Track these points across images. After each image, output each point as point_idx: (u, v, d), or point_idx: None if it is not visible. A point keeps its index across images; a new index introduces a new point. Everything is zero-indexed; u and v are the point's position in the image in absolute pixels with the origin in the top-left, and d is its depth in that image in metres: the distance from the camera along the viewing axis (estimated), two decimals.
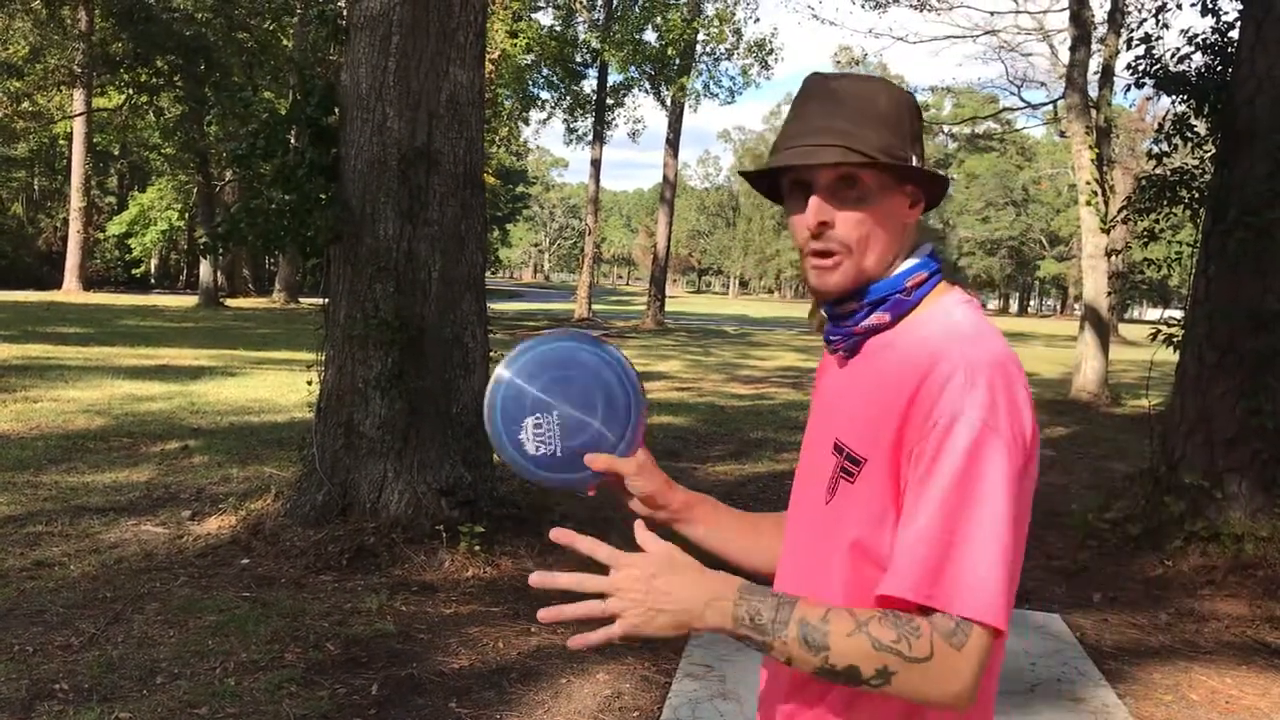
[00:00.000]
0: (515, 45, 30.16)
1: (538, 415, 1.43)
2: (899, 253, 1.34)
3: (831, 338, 1.40)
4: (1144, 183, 7.49)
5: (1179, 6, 8.61)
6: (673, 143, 33.85)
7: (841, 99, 1.32)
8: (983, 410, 1.18)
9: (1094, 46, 17.14)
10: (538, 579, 1.28)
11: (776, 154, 1.33)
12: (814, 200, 1.31)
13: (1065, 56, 17.86)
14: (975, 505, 1.16)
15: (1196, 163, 7.24)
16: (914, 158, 1.32)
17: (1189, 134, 7.21)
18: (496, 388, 1.46)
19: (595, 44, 33.30)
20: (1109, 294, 16.05)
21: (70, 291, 34.43)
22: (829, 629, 1.16)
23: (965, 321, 1.29)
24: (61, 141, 45.03)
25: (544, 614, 1.25)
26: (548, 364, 1.44)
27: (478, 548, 5.62)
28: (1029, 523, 1.27)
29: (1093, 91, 16.63)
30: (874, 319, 1.34)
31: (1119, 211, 8.51)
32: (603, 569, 1.26)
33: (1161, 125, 7.45)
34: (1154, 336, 7.09)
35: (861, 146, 1.27)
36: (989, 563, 1.15)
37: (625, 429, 1.45)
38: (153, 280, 48.19)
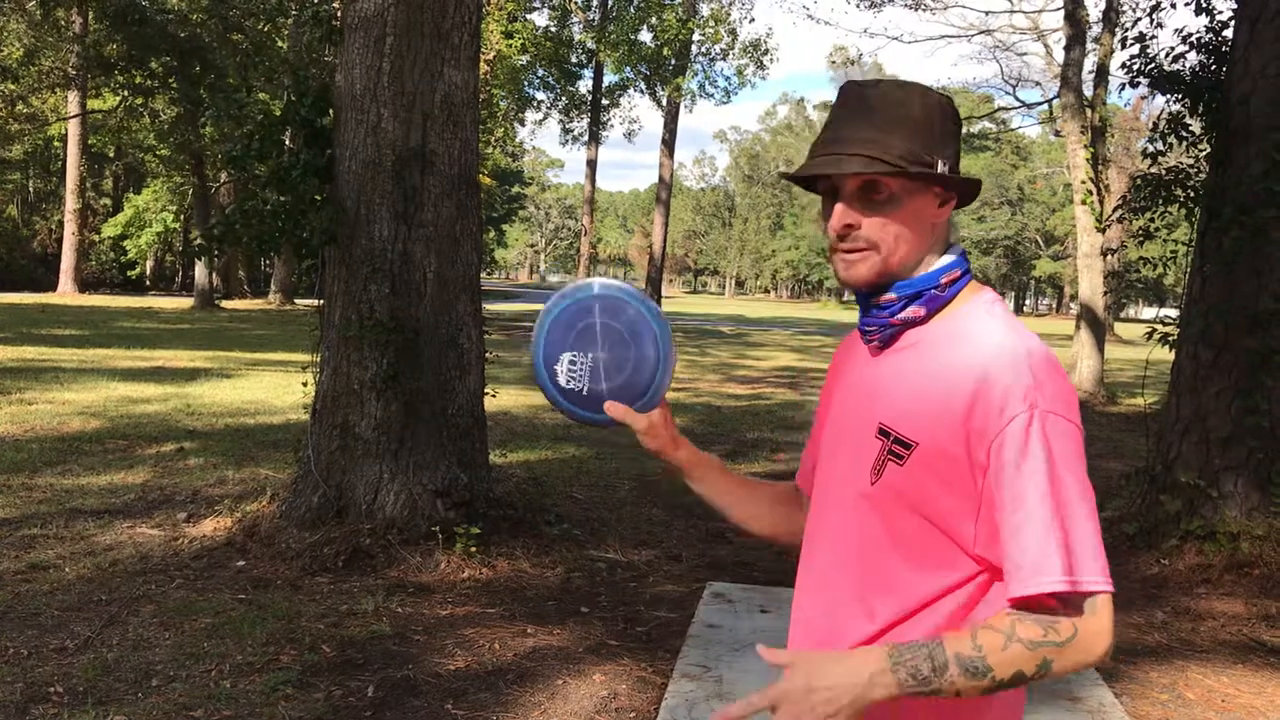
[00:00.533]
0: (510, 46, 30.15)
1: (575, 353, 1.50)
2: (927, 250, 1.44)
3: (866, 329, 1.48)
4: (1139, 181, 7.49)
5: (1173, 5, 8.60)
6: (668, 143, 33.86)
7: (872, 106, 1.41)
8: (1052, 400, 1.31)
9: (1089, 46, 17.18)
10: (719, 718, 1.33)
11: (810, 160, 1.43)
12: (839, 207, 1.42)
13: (1060, 56, 17.90)
14: (1070, 488, 1.29)
15: (1191, 161, 7.24)
16: (940, 161, 1.40)
17: (1184, 133, 7.22)
18: (572, 296, 1.53)
19: (591, 44, 33.31)
20: (1105, 293, 16.08)
21: (65, 293, 34.34)
22: (985, 653, 1.27)
23: (1007, 320, 1.40)
24: (56, 143, 44.95)
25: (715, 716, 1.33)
26: (614, 313, 1.51)
27: (474, 549, 5.61)
28: None
29: (1088, 91, 16.66)
30: (910, 312, 1.43)
31: (1114, 210, 8.51)
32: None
33: (1156, 124, 7.45)
34: (1149, 335, 7.09)
35: (885, 155, 1.37)
36: (1093, 536, 1.29)
37: (640, 398, 1.55)
38: (148, 282, 48.08)
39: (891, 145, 1.37)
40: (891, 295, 1.43)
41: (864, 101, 1.42)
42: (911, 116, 1.39)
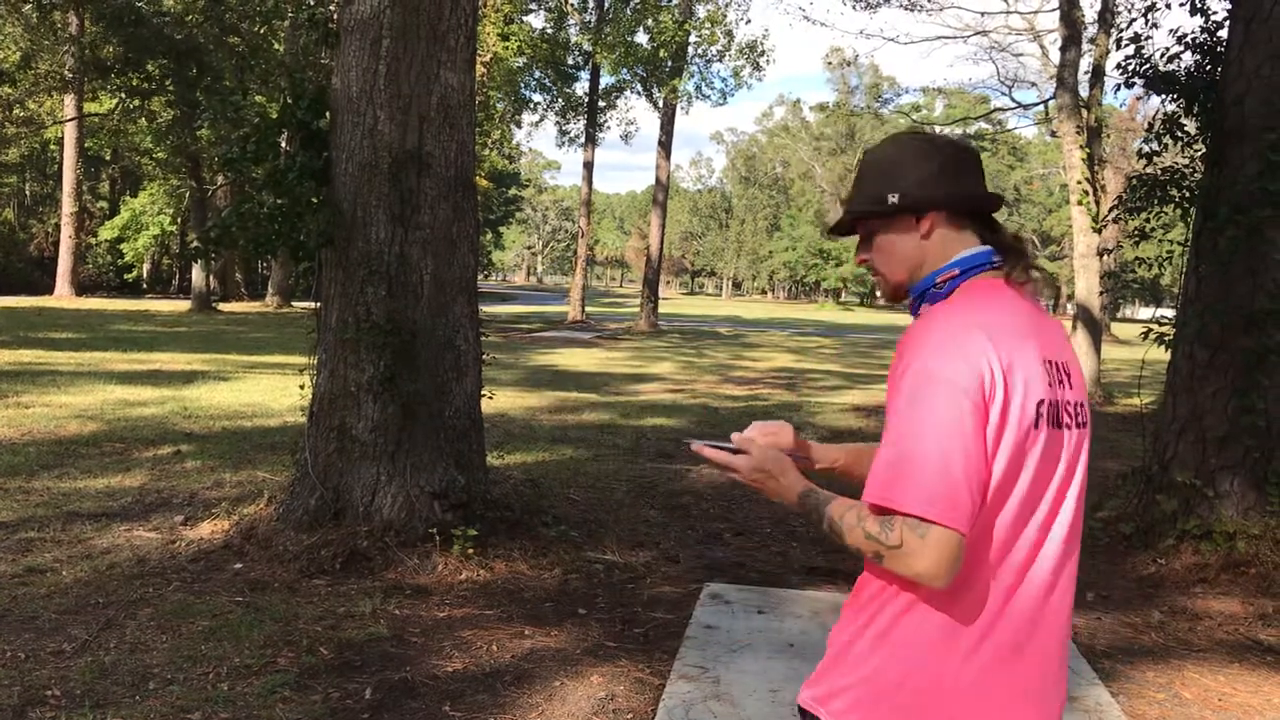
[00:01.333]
0: (507, 48, 30.13)
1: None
2: (928, 260, 1.76)
3: None
4: (1135, 182, 7.50)
5: (1168, 6, 8.61)
6: (665, 145, 33.83)
7: (858, 165, 1.85)
8: (926, 360, 1.58)
9: (1084, 46, 17.19)
10: (696, 447, 1.84)
11: None
12: (857, 249, 1.88)
13: (1056, 56, 17.91)
14: (917, 431, 1.55)
15: (1187, 162, 7.26)
16: (891, 194, 1.75)
17: (1179, 133, 7.23)
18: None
19: (587, 46, 33.30)
20: (1101, 293, 16.09)
21: (62, 297, 34.36)
22: (843, 527, 1.63)
23: (967, 303, 1.68)
24: (53, 147, 44.94)
25: (694, 445, 1.83)
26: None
27: (471, 551, 5.62)
28: (1005, 453, 1.59)
29: (1083, 91, 16.67)
30: (922, 309, 1.77)
31: (1110, 211, 8.53)
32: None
33: (1152, 125, 7.46)
34: (1146, 335, 7.10)
35: (849, 206, 1.83)
36: (930, 473, 1.52)
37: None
38: (145, 285, 48.06)
39: (856, 196, 1.81)
40: (909, 298, 1.81)
41: (858, 163, 1.86)
42: (874, 166, 1.79)
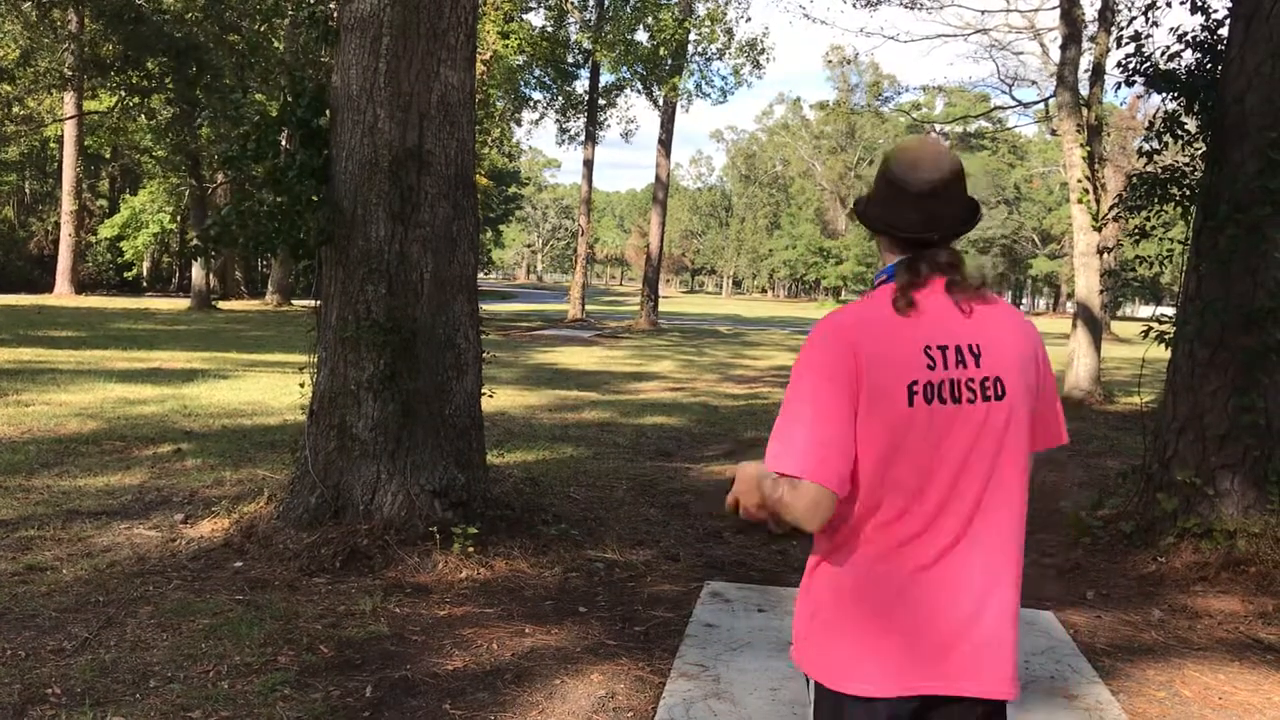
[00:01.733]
0: (507, 46, 30.12)
1: None
2: (884, 256, 2.04)
3: None
4: (1135, 180, 7.49)
5: (1169, 4, 8.60)
6: (665, 143, 33.82)
7: None
8: (804, 350, 1.92)
9: (1085, 44, 17.16)
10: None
11: None
12: None
13: (1056, 55, 17.90)
14: (793, 409, 1.89)
15: (1187, 160, 7.24)
16: (860, 199, 2.09)
17: (1179, 131, 7.21)
18: None
19: (587, 44, 33.29)
20: (1101, 291, 16.07)
21: (62, 295, 34.38)
22: (767, 491, 1.92)
23: (863, 297, 2.02)
24: (52, 145, 44.95)
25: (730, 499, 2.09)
26: None
27: (471, 549, 5.61)
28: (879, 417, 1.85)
29: (1084, 89, 16.65)
30: None
31: (1110, 209, 8.52)
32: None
33: (1152, 123, 7.45)
34: (1146, 334, 7.09)
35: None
36: (799, 441, 1.84)
37: None
38: (145, 283, 48.07)
39: None
40: None
41: None
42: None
